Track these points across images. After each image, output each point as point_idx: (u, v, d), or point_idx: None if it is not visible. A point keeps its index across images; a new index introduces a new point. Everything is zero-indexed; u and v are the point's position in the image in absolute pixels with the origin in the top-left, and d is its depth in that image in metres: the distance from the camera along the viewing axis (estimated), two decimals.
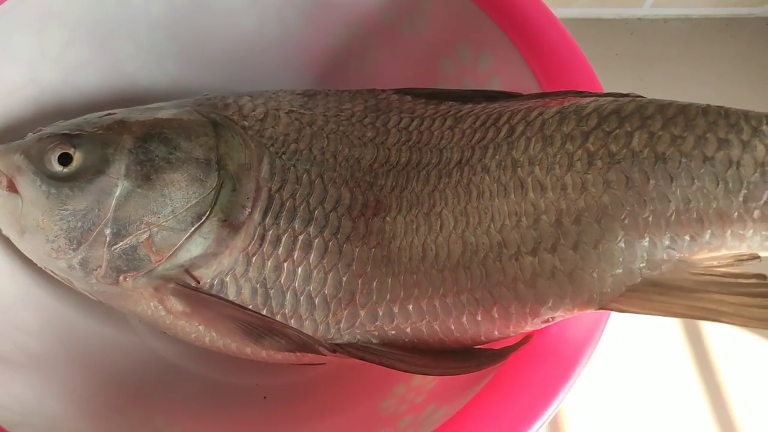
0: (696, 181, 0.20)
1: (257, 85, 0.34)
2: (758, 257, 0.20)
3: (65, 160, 0.25)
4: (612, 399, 0.34)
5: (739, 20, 0.46)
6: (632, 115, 0.21)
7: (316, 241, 0.24)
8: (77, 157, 0.25)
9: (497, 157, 0.23)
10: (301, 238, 0.24)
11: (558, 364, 0.21)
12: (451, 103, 0.27)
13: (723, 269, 0.19)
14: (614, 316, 0.22)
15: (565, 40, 0.29)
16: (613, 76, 0.43)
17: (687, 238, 0.20)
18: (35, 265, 0.26)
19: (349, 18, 0.34)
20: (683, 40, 0.44)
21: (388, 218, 0.24)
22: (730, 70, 0.44)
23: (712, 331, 0.36)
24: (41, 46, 0.29)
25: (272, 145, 0.26)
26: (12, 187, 0.25)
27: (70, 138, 0.25)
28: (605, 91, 0.28)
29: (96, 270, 0.25)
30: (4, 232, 0.26)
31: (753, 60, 0.44)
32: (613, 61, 0.42)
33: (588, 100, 0.23)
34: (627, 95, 0.24)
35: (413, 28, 0.33)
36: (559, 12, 0.44)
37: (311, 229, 0.24)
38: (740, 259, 0.19)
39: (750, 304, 0.18)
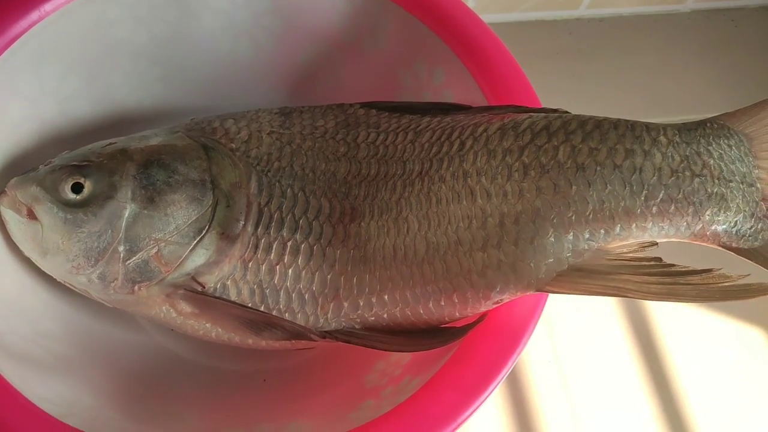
0: (608, 185, 0.25)
1: (235, 101, 0.37)
2: (656, 243, 0.25)
3: (77, 188, 0.28)
4: (569, 359, 0.39)
5: (663, 16, 0.51)
6: (558, 131, 0.26)
7: (303, 246, 0.28)
8: (88, 186, 0.28)
9: (451, 168, 0.27)
10: (289, 244, 0.28)
11: (508, 337, 0.26)
12: (410, 116, 0.31)
13: (631, 254, 0.24)
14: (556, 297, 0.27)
15: (506, 59, 0.33)
16: (555, 73, 0.47)
17: (602, 231, 0.24)
18: (53, 280, 0.30)
19: (316, 37, 0.37)
20: (616, 36, 0.49)
21: (363, 224, 0.28)
22: (656, 62, 0.49)
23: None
24: (40, 83, 0.32)
25: (258, 164, 0.30)
26: (31, 215, 0.28)
27: (79, 168, 0.29)
28: (540, 99, 0.33)
29: (113, 282, 0.28)
30: (26, 254, 0.29)
31: (675, 52, 0.50)
32: (554, 59, 0.47)
33: (524, 116, 0.28)
34: (556, 111, 0.28)
35: (374, 46, 0.37)
36: (503, 17, 0.48)
37: (298, 236, 0.29)
38: (643, 246, 0.24)
39: (650, 282, 0.23)
